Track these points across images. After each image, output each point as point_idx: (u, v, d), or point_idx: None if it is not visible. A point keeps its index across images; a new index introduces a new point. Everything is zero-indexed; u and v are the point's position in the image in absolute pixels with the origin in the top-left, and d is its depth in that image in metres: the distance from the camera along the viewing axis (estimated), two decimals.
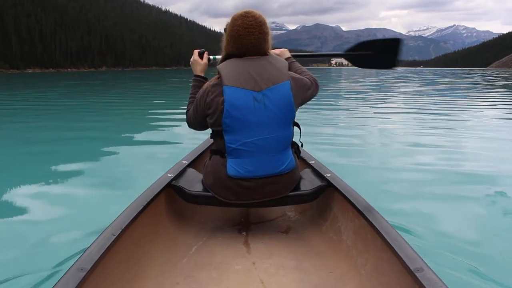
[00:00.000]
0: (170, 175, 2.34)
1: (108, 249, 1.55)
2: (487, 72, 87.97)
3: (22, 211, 3.61)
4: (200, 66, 2.40)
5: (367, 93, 20.35)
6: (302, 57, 2.87)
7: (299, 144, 2.40)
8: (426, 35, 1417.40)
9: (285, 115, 2.10)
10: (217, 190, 2.17)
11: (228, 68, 2.08)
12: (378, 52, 2.57)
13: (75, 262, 1.40)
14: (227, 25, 2.16)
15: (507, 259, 2.62)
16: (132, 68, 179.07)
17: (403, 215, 3.27)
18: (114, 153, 6.15)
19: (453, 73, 75.95)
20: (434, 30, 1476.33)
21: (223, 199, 2.16)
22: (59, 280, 1.30)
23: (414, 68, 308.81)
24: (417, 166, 5.04)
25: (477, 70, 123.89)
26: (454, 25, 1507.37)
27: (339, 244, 2.07)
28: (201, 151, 3.00)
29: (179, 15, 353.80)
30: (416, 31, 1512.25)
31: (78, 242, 2.66)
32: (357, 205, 1.98)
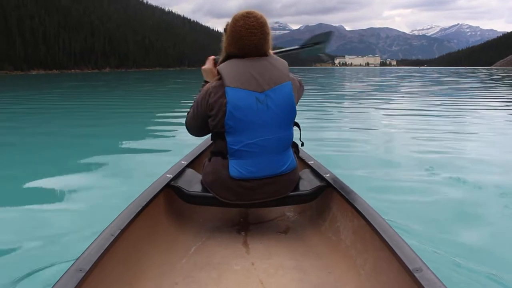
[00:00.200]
0: (169, 176, 2.33)
1: (107, 250, 1.55)
2: (492, 71, 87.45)
3: (20, 211, 3.61)
4: (213, 75, 2.34)
5: (368, 92, 20.23)
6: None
7: (299, 144, 2.42)
8: (429, 34, 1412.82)
9: (287, 116, 2.11)
10: (217, 191, 2.16)
11: (229, 69, 2.07)
12: (317, 43, 2.96)
13: (73, 263, 1.40)
14: (227, 26, 2.16)
15: (507, 259, 2.61)
16: (135, 69, 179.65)
17: (402, 215, 3.26)
18: (113, 153, 6.14)
19: (458, 72, 75.51)
20: (438, 29, 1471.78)
21: (223, 199, 2.16)
22: (57, 281, 1.30)
23: (418, 67, 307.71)
24: (417, 166, 5.01)
25: (482, 69, 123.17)
26: (458, 24, 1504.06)
27: (338, 244, 2.08)
28: (200, 152, 2.99)
29: (182, 15, 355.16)
30: (419, 30, 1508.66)
31: (76, 243, 2.62)
32: (356, 205, 1.98)
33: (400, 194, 3.95)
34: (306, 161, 2.67)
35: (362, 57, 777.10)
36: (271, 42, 2.18)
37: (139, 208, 1.92)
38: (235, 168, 2.08)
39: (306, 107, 12.27)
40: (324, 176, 2.37)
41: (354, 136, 7.20)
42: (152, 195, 2.08)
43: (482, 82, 31.63)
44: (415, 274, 1.36)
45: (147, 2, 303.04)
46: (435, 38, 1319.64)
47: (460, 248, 2.72)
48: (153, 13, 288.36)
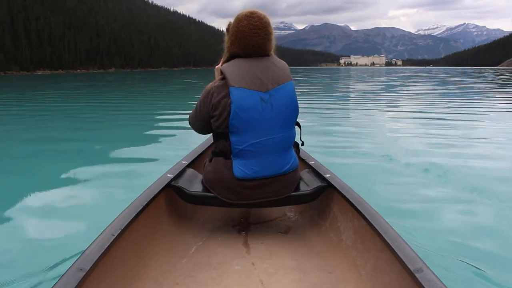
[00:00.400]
0: (169, 175, 2.33)
1: (108, 249, 1.54)
2: (499, 71, 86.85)
3: (21, 211, 3.61)
4: None
5: (372, 92, 20.12)
6: None
7: (300, 143, 2.42)
8: (435, 33, 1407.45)
9: (290, 115, 2.12)
10: (219, 190, 2.16)
11: (232, 69, 2.07)
12: None
13: (74, 262, 1.40)
14: (229, 25, 2.16)
15: (508, 259, 2.61)
16: (140, 69, 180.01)
17: (403, 215, 3.27)
18: (113, 153, 6.12)
19: (465, 72, 75.00)
20: (444, 28, 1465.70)
21: (225, 199, 2.16)
22: (58, 280, 1.30)
23: (423, 67, 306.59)
24: (418, 167, 4.98)
25: (489, 69, 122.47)
26: (464, 23, 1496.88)
27: (338, 244, 2.08)
28: (200, 152, 3.00)
29: (187, 15, 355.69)
30: (425, 30, 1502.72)
31: (77, 242, 2.61)
32: (356, 206, 1.98)
33: (401, 194, 3.94)
34: (307, 161, 2.67)
35: (368, 57, 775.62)
36: (274, 42, 2.18)
37: (140, 208, 1.92)
38: (239, 168, 2.08)
39: (307, 106, 12.22)
40: (324, 176, 2.37)
41: (355, 136, 7.17)
42: (153, 195, 2.08)
43: (491, 82, 31.26)
44: (415, 275, 1.36)
45: (152, 2, 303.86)
46: (441, 38, 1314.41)
47: (461, 249, 2.72)
48: (158, 13, 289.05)
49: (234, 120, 2.01)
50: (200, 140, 3.22)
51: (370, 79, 38.88)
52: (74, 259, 1.43)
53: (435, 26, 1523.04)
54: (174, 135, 7.55)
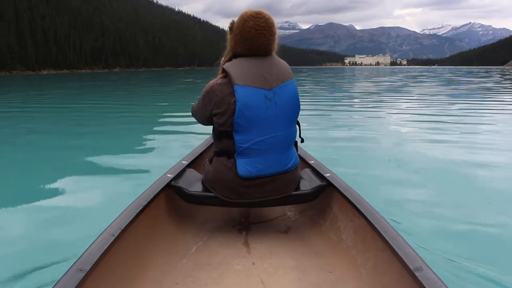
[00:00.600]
0: (169, 176, 2.33)
1: (108, 250, 1.54)
2: (505, 70, 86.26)
3: (21, 211, 3.62)
4: None
5: (374, 92, 20.01)
6: None
7: (300, 140, 2.43)
8: (440, 33, 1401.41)
9: (293, 113, 2.14)
10: (219, 190, 2.16)
11: (236, 67, 2.07)
12: None
13: (74, 263, 1.40)
14: (232, 24, 2.16)
15: (508, 259, 2.62)
16: (145, 69, 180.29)
17: (403, 214, 3.28)
18: (114, 153, 6.13)
19: (471, 71, 74.58)
20: (449, 28, 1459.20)
21: (225, 198, 2.17)
22: (58, 281, 1.30)
23: (429, 67, 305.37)
24: (419, 166, 4.98)
25: (495, 69, 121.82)
26: (470, 22, 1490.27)
27: (339, 243, 2.08)
28: (200, 152, 2.99)
29: (192, 15, 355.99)
30: (430, 29, 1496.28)
31: (77, 243, 2.57)
32: (356, 205, 1.98)
33: (401, 193, 3.95)
34: (307, 160, 2.68)
35: (372, 56, 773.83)
36: (277, 42, 2.19)
37: (140, 208, 1.92)
38: (244, 166, 2.08)
39: (308, 105, 12.22)
40: (324, 175, 2.37)
41: (356, 136, 7.28)
42: (153, 195, 2.08)
43: (497, 82, 30.93)
44: (416, 274, 1.36)
45: (157, 2, 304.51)
46: (446, 37, 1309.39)
47: (461, 248, 2.73)
48: (163, 13, 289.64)
49: (239, 118, 2.02)
50: (200, 140, 3.17)
51: (374, 78, 38.74)
52: (74, 259, 1.43)
53: (440, 26, 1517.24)
54: (174, 135, 7.53)
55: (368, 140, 6.75)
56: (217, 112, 2.09)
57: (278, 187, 2.16)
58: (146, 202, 1.99)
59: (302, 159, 2.65)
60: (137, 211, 1.89)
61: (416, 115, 10.31)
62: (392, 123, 9.05)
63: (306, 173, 2.46)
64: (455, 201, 3.74)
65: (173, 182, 2.28)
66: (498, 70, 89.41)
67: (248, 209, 2.60)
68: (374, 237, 1.78)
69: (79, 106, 14.25)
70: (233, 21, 2.17)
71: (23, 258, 2.60)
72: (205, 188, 2.24)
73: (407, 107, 12.70)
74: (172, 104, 15.70)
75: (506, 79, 35.90)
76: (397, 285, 1.53)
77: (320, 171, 2.44)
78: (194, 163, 2.73)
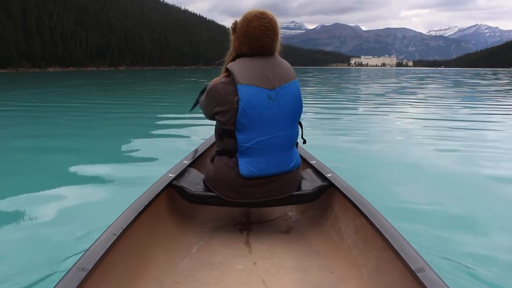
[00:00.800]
0: (171, 175, 2.33)
1: (109, 249, 1.55)
2: None
3: (22, 210, 3.60)
4: None
5: (378, 93, 19.89)
6: None
7: (302, 141, 2.44)
8: (447, 34, 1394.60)
9: (295, 113, 2.15)
10: (221, 190, 2.17)
11: (239, 67, 2.08)
12: None
13: (76, 262, 1.40)
14: (235, 25, 2.16)
15: (509, 259, 2.62)
16: (151, 67, 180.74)
17: (404, 215, 3.27)
18: (114, 153, 6.09)
19: (479, 73, 74.09)
20: (456, 29, 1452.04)
21: (227, 198, 2.17)
22: (60, 280, 1.30)
23: (435, 68, 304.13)
24: (420, 166, 4.98)
25: (502, 70, 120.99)
26: (477, 24, 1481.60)
27: (340, 243, 2.08)
28: (202, 151, 2.99)
29: (198, 14, 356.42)
30: (437, 30, 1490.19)
31: (79, 242, 2.66)
32: (358, 205, 1.98)
33: (402, 193, 3.95)
34: (308, 160, 2.68)
35: (378, 57, 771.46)
36: (279, 42, 2.20)
37: (141, 208, 1.92)
38: (245, 166, 2.08)
39: (311, 105, 12.22)
40: (326, 175, 2.38)
41: (358, 136, 7.21)
42: (154, 195, 2.08)
43: (508, 84, 30.67)
44: (417, 274, 1.35)
45: (163, 1, 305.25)
46: (452, 39, 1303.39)
47: (462, 248, 2.73)
48: (169, 12, 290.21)
49: (242, 117, 2.02)
50: (201, 140, 3.18)
51: (379, 80, 38.60)
52: (76, 258, 1.43)
53: (446, 27, 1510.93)
54: (176, 135, 7.50)
55: (371, 141, 6.75)
56: (219, 110, 2.10)
57: (279, 187, 2.17)
58: (148, 202, 1.99)
59: (303, 159, 2.65)
60: (139, 210, 1.89)
61: (421, 118, 10.25)
62: (396, 125, 9.01)
63: (307, 173, 2.45)
64: (457, 202, 3.71)
65: (174, 181, 2.28)
66: (506, 72, 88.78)
67: (249, 209, 2.59)
68: (375, 237, 1.78)
69: (80, 105, 14.26)
70: (235, 21, 2.17)
71: (25, 258, 2.60)
72: (207, 188, 2.24)
73: (412, 109, 12.63)
74: (173, 103, 15.71)
75: None
76: (398, 285, 1.53)
77: (322, 171, 2.44)
78: (195, 163, 2.73)
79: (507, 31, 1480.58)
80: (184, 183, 2.28)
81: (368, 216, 1.86)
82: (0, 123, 9.63)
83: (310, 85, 27.73)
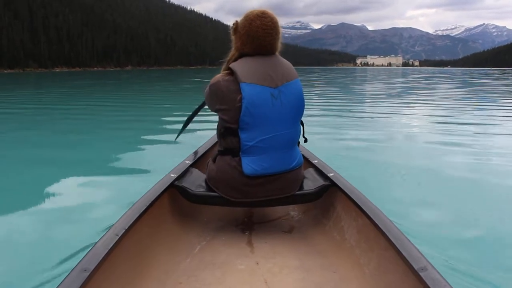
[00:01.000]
0: (173, 175, 2.33)
1: (112, 250, 1.55)
2: None
3: (24, 210, 3.62)
4: None
5: (383, 94, 19.72)
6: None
7: (303, 140, 2.45)
8: (454, 34, 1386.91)
9: (298, 111, 2.16)
10: (223, 189, 2.17)
11: (242, 66, 2.09)
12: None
13: (78, 263, 1.40)
14: (236, 25, 2.17)
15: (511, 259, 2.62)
16: (157, 67, 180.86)
17: (407, 214, 3.27)
18: (115, 154, 6.06)
19: (485, 73, 73.57)
20: (463, 29, 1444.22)
21: (229, 198, 2.17)
22: (62, 281, 1.30)
23: (441, 68, 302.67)
24: (423, 167, 4.97)
25: (509, 70, 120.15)
26: (484, 23, 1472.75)
27: (342, 243, 2.08)
28: (204, 151, 3.00)
29: (204, 14, 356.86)
30: (443, 30, 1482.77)
31: (81, 243, 2.67)
32: (360, 205, 1.98)
33: (405, 193, 3.95)
34: (310, 160, 2.68)
35: (384, 57, 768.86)
36: (280, 41, 2.21)
37: (143, 208, 1.92)
38: (249, 164, 2.08)
39: (313, 104, 12.21)
40: (328, 175, 2.37)
41: (359, 135, 7.24)
42: (156, 195, 2.08)
43: None
44: (420, 273, 1.35)
45: (169, 1, 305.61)
46: (459, 39, 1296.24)
47: (465, 248, 2.73)
48: (175, 12, 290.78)
49: (246, 116, 2.03)
50: (203, 140, 3.21)
51: (385, 79, 38.33)
52: (78, 259, 1.44)
53: (453, 27, 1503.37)
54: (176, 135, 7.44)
55: (374, 141, 6.71)
56: (221, 108, 2.11)
57: (281, 186, 2.17)
58: (150, 202, 1.99)
59: (305, 159, 2.64)
60: (141, 211, 1.89)
61: (427, 118, 10.15)
62: (400, 125, 8.93)
63: (309, 172, 2.45)
64: (460, 203, 3.70)
65: (176, 182, 2.28)
66: None
67: (251, 209, 2.59)
68: (377, 237, 1.77)
69: (82, 106, 14.23)
70: (236, 21, 2.19)
71: (27, 259, 2.61)
72: (209, 188, 2.24)
73: (417, 109, 12.51)
74: (176, 103, 15.69)
75: None
76: (401, 284, 1.52)
77: (324, 171, 2.44)
78: (197, 163, 2.73)
79: None
80: (186, 183, 2.28)
81: (371, 216, 1.85)
82: (2, 123, 9.62)
83: (316, 85, 27.62)
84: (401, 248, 1.53)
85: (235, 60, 2.17)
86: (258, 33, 2.09)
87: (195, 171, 2.48)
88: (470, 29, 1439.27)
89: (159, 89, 24.65)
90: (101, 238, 1.59)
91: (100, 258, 1.45)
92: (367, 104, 14.23)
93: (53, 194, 4.12)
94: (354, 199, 2.05)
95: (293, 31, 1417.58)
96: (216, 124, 2.26)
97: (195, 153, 2.92)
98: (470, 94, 19.66)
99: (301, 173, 2.28)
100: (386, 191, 3.94)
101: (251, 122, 2.04)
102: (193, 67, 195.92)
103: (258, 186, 2.13)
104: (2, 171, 4.99)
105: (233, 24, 2.19)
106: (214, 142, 3.11)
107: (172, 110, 12.72)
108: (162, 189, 2.16)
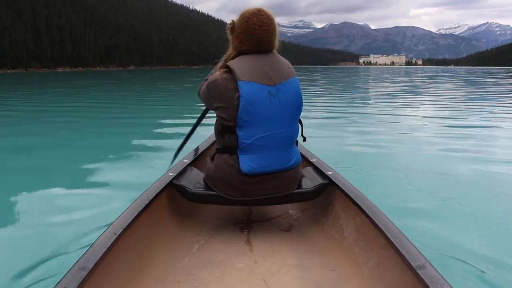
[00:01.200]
0: (171, 174, 2.32)
1: (110, 248, 1.54)
2: None
3: (22, 210, 3.62)
4: None
5: (383, 92, 19.67)
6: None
7: (302, 139, 2.45)
8: (457, 33, 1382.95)
9: (296, 110, 2.16)
10: (222, 188, 2.17)
11: (240, 64, 2.09)
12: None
13: (76, 262, 1.40)
14: (232, 25, 2.18)
15: (510, 257, 2.63)
16: (160, 67, 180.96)
17: (405, 212, 3.29)
18: (114, 153, 6.05)
19: (489, 72, 73.20)
20: (466, 27, 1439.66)
21: (227, 196, 2.17)
22: (60, 280, 1.30)
23: (445, 67, 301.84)
24: (422, 165, 4.98)
25: None
26: (487, 22, 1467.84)
27: (341, 241, 2.08)
28: (202, 150, 2.98)
29: (206, 14, 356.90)
30: (446, 29, 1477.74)
31: (79, 242, 2.68)
32: (359, 203, 1.98)
33: (403, 191, 3.95)
34: (309, 158, 2.67)
35: (387, 56, 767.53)
36: (278, 38, 2.21)
37: (142, 207, 1.91)
38: (246, 163, 2.08)
39: (312, 103, 12.24)
40: (326, 173, 2.37)
41: (360, 135, 7.19)
42: (155, 194, 2.07)
43: None
44: (418, 271, 1.35)
45: (171, 1, 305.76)
46: (462, 37, 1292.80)
47: (463, 246, 2.74)
48: (178, 11, 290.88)
49: (243, 114, 2.03)
50: (201, 139, 3.23)
51: (388, 78, 38.21)
52: (76, 258, 1.44)
53: (456, 25, 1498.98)
54: (175, 134, 7.43)
55: (372, 140, 6.69)
56: (218, 106, 2.11)
57: (279, 185, 2.17)
58: (148, 201, 1.98)
59: (304, 158, 2.64)
60: (139, 209, 1.88)
61: (426, 117, 10.08)
62: (398, 123, 8.90)
63: (308, 171, 2.45)
64: (458, 200, 3.68)
65: (174, 180, 2.28)
66: None
67: (250, 208, 2.58)
68: (376, 235, 1.77)
69: (82, 106, 14.23)
70: (232, 21, 2.19)
71: (26, 257, 2.60)
72: (207, 186, 2.23)
73: (416, 108, 12.42)
74: (175, 103, 15.70)
75: None
76: (399, 282, 1.53)
77: (322, 169, 2.44)
78: (195, 162, 2.72)
79: None
80: (184, 182, 2.27)
81: (369, 214, 1.85)
82: (3, 123, 9.65)
83: (319, 84, 27.54)
84: (399, 246, 1.54)
85: (233, 58, 2.17)
86: (256, 30, 2.08)
87: (194, 170, 2.47)
88: (473, 28, 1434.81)
89: (159, 89, 24.70)
90: (99, 236, 1.59)
91: (99, 257, 1.45)
92: (367, 103, 14.18)
93: (51, 193, 4.12)
94: (353, 197, 2.05)
95: (296, 30, 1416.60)
96: (214, 122, 2.25)
97: (194, 151, 2.91)
98: (475, 94, 19.47)
99: (299, 171, 2.28)
100: (384, 189, 3.94)
101: (248, 120, 2.04)
102: (196, 67, 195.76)
103: (256, 185, 2.13)
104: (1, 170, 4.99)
105: (230, 23, 2.19)
106: (212, 141, 3.09)
107: (171, 109, 12.71)
108: (161, 188, 2.15)
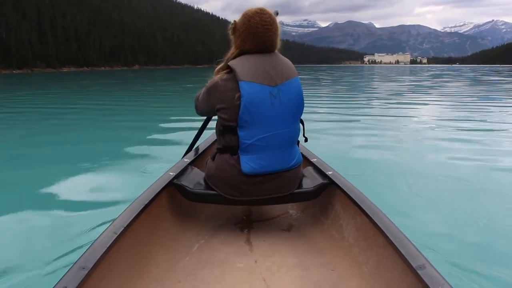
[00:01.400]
0: (171, 174, 2.32)
1: (110, 248, 1.54)
2: None
3: (23, 209, 3.60)
4: None
5: (386, 92, 19.50)
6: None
7: (303, 139, 2.47)
8: (462, 31, 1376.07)
9: (297, 110, 2.16)
10: (222, 187, 2.17)
11: (242, 64, 2.08)
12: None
13: (76, 261, 1.40)
14: (234, 25, 2.17)
15: (509, 256, 2.63)
16: (164, 66, 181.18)
17: (405, 212, 3.28)
18: (114, 153, 6.05)
19: (496, 70, 72.67)
20: (471, 26, 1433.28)
21: (228, 196, 2.17)
22: (61, 279, 1.30)
23: (450, 65, 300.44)
24: (422, 165, 4.99)
25: None
26: (493, 20, 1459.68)
27: (341, 241, 2.08)
28: (202, 150, 2.97)
29: (211, 13, 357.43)
30: (452, 27, 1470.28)
31: (79, 241, 2.68)
32: (359, 203, 1.98)
33: (403, 191, 3.95)
34: (309, 158, 2.67)
35: (392, 54, 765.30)
36: (280, 38, 2.21)
37: (142, 206, 1.91)
38: (247, 163, 2.08)
39: (312, 103, 12.13)
40: (327, 173, 2.37)
41: (361, 135, 7.20)
42: (155, 193, 2.07)
43: None
44: (418, 271, 1.35)
45: (176, 0, 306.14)
46: (468, 35, 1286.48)
47: (463, 246, 2.73)
48: (182, 11, 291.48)
49: (244, 114, 2.03)
50: (202, 139, 3.23)
51: (392, 77, 38.03)
52: (77, 257, 1.43)
53: (462, 23, 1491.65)
54: (176, 133, 7.43)
55: (373, 140, 6.69)
56: (220, 107, 2.10)
57: (280, 185, 2.17)
58: (148, 200, 1.98)
59: (304, 157, 2.63)
60: (139, 209, 1.88)
61: (428, 117, 10.04)
62: (400, 124, 8.84)
63: (308, 171, 2.45)
64: (460, 202, 3.67)
65: (175, 180, 2.27)
66: None
67: (250, 207, 2.58)
68: (376, 235, 1.78)
69: (82, 106, 14.24)
70: (234, 21, 2.18)
71: (26, 257, 2.60)
72: (207, 186, 2.23)
73: (417, 108, 12.30)
74: (176, 102, 15.74)
75: None
76: (399, 282, 1.53)
77: (323, 169, 2.43)
78: (196, 161, 2.71)
79: None
80: (184, 181, 2.27)
81: (369, 214, 1.85)
82: (8, 122, 9.68)
83: (322, 83, 27.46)
84: (399, 246, 1.54)
85: (234, 58, 2.16)
86: (258, 29, 2.08)
87: (194, 169, 2.46)
88: (479, 26, 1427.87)
89: (161, 89, 24.76)
90: (99, 236, 1.59)
91: (99, 256, 1.45)
92: (370, 102, 14.09)
93: (52, 192, 4.10)
94: (353, 197, 2.04)
95: (300, 29, 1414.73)
96: (216, 122, 2.24)
97: (194, 151, 2.90)
98: (481, 93, 19.25)
99: (300, 171, 2.28)
100: (384, 189, 3.93)
101: (249, 120, 2.04)
102: (200, 66, 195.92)
103: (257, 185, 2.13)
104: (1, 169, 5.00)
105: (232, 23, 2.19)
106: (213, 141, 3.09)
107: (172, 108, 12.75)
108: (161, 187, 2.15)
